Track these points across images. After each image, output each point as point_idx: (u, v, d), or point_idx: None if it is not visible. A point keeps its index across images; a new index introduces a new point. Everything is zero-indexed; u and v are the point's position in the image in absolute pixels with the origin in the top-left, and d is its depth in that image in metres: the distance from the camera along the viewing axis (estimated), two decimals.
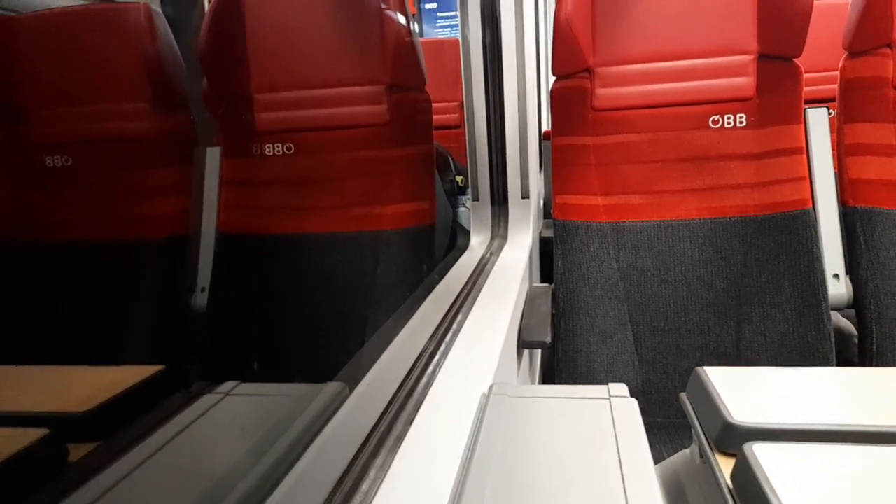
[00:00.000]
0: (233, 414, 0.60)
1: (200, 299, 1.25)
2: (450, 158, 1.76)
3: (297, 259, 1.24)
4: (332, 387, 0.64)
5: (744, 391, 0.56)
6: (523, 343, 0.96)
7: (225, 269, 1.25)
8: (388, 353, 0.74)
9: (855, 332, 1.13)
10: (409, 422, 0.55)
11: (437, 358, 0.72)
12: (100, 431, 0.51)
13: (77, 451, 0.49)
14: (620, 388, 0.62)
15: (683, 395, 0.61)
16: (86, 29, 1.25)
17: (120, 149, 1.22)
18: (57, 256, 1.20)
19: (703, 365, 1.13)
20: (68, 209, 1.23)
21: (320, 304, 1.20)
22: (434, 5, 4.23)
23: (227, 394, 0.65)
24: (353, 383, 0.66)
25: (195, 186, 1.30)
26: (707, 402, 0.55)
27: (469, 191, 1.42)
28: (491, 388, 0.63)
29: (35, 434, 0.47)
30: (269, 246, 1.26)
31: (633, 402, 0.60)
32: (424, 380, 0.65)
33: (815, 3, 1.37)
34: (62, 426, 0.51)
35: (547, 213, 1.86)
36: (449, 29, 4.18)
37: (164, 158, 1.23)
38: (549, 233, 1.31)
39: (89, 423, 0.52)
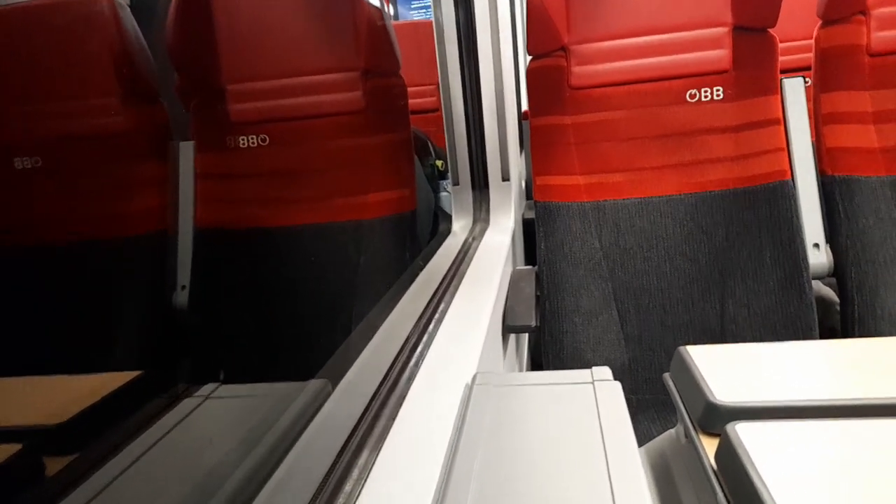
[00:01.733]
0: (214, 417, 0.59)
1: (181, 297, 1.24)
2: (429, 143, 1.74)
3: (277, 252, 1.23)
4: (314, 384, 0.63)
5: (727, 369, 0.56)
6: (508, 328, 0.96)
7: (205, 265, 1.23)
8: (370, 347, 0.74)
9: (837, 300, 1.14)
10: (392, 417, 0.54)
11: (420, 348, 0.71)
12: (77, 443, 0.50)
13: (54, 465, 0.48)
14: (604, 372, 0.61)
15: (667, 376, 0.61)
16: (45, 24, 1.21)
17: (90, 146, 1.19)
18: (31, 259, 1.18)
19: (689, 341, 1.13)
20: (41, 211, 1.20)
21: (303, 296, 1.18)
22: None
23: (208, 396, 0.64)
24: (336, 378, 0.65)
25: (170, 182, 1.28)
26: (690, 383, 0.55)
27: (450, 175, 1.41)
28: (475, 377, 0.63)
29: (8, 450, 0.46)
30: (249, 240, 1.24)
31: (617, 385, 0.60)
32: (407, 372, 0.64)
33: None
34: (37, 440, 0.50)
35: (529, 194, 1.85)
36: (423, 11, 4.13)
37: (135, 154, 1.20)
38: (531, 214, 1.30)
39: (65, 435, 0.51)
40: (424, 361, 0.67)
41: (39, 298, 1.14)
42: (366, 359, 0.71)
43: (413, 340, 0.73)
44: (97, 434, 0.51)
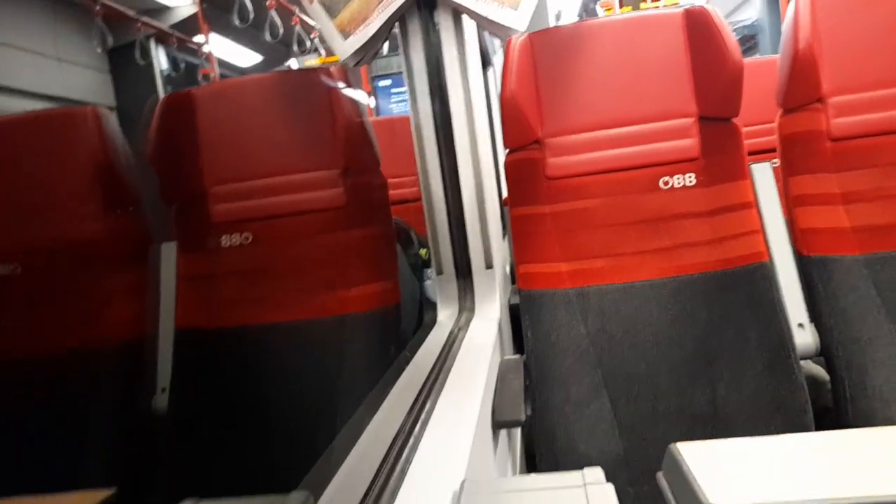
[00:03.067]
0: None
1: (161, 400, 1.20)
2: (412, 233, 1.76)
3: (259, 351, 1.21)
4: (295, 498, 0.61)
5: (720, 468, 0.54)
6: (497, 423, 0.93)
7: (186, 366, 1.20)
8: (354, 454, 0.71)
9: (827, 378, 1.13)
10: None
11: (405, 454, 0.68)
12: None
13: None
14: (596, 473, 0.59)
15: (660, 475, 0.59)
16: (31, 136, 1.24)
17: (70, 254, 1.19)
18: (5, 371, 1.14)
19: (683, 427, 1.11)
20: (17, 319, 1.18)
21: (286, 396, 1.15)
22: (388, 82, 4.36)
23: None
24: (318, 489, 0.63)
25: (151, 284, 1.27)
26: (683, 484, 0.53)
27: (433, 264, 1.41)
28: (462, 484, 0.60)
29: None
30: (232, 339, 1.22)
31: (609, 488, 0.57)
32: (392, 482, 0.62)
33: (749, 61, 1.43)
34: None
35: (514, 279, 1.86)
36: (403, 103, 4.30)
37: (115, 261, 1.20)
38: (517, 300, 1.30)
39: None
40: (410, 468, 0.65)
41: (8, 411, 1.10)
42: (349, 468, 0.68)
43: (398, 446, 0.70)
44: None
